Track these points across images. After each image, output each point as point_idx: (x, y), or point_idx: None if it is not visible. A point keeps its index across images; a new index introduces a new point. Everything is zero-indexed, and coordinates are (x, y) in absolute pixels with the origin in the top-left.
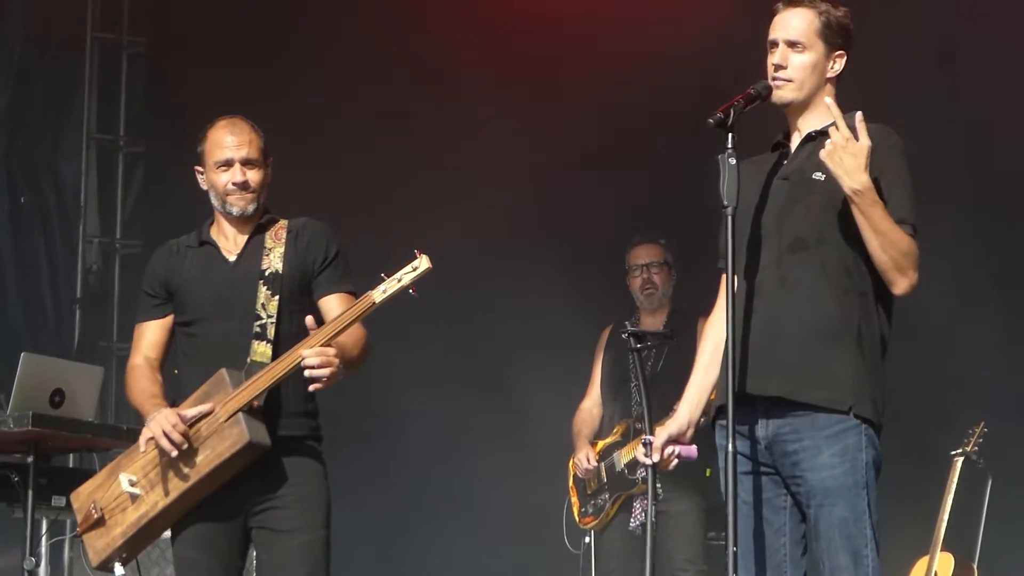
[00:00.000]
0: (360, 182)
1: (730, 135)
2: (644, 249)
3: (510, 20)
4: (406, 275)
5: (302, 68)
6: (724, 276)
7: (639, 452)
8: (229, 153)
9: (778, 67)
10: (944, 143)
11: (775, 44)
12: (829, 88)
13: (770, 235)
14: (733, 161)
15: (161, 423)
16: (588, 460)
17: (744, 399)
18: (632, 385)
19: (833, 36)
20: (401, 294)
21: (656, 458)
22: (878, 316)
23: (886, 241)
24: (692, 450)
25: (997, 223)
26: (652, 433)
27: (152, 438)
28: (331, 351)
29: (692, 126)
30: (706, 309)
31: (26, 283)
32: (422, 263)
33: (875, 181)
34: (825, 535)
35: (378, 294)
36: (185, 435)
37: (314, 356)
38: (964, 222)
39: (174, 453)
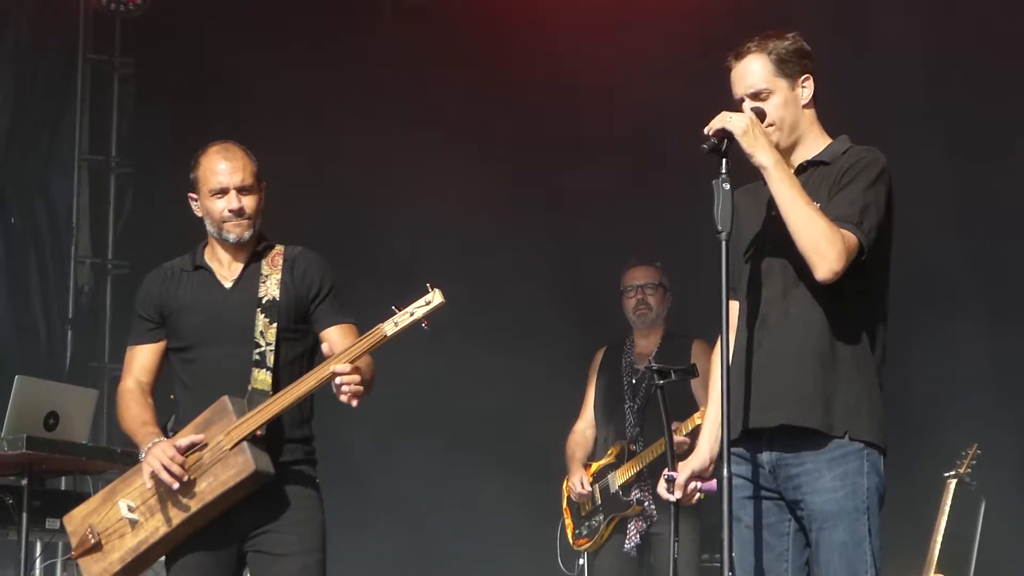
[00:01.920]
0: (349, 206)
1: (724, 160)
2: (640, 271)
3: (509, 44)
4: (419, 309)
5: (292, 84)
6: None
7: (661, 488)
8: (224, 180)
9: None
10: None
11: (741, 100)
12: (809, 114)
13: (774, 269)
14: (727, 186)
15: (159, 457)
16: (582, 484)
17: (750, 431)
18: (626, 406)
19: (790, 67)
20: (413, 328)
21: (679, 495)
22: (874, 340)
23: (799, 222)
24: (712, 484)
25: (988, 243)
26: (675, 469)
27: (153, 473)
28: (357, 368)
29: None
30: (701, 332)
31: (17, 303)
32: (435, 297)
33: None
34: (825, 559)
35: (390, 327)
36: (184, 467)
37: (346, 372)
38: (954, 241)
39: (175, 486)
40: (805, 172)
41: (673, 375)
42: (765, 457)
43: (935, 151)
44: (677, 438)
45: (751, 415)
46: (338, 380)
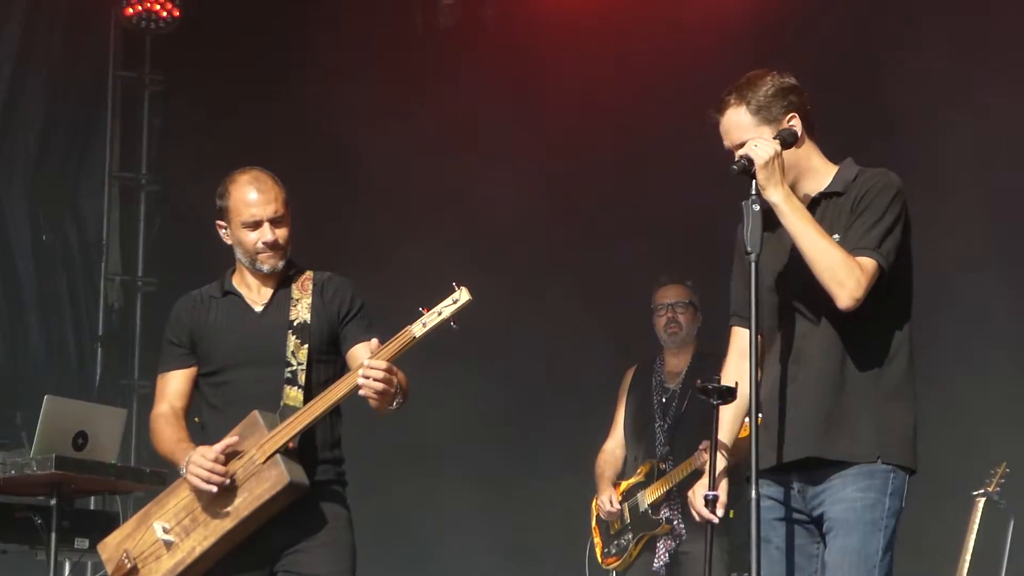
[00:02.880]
0: (374, 214)
1: (754, 182)
2: (671, 289)
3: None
4: (446, 308)
5: (321, 102)
6: (737, 328)
7: (699, 506)
8: (257, 213)
9: None
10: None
11: (732, 151)
12: (803, 148)
13: (805, 304)
14: (757, 208)
15: (200, 463)
16: (611, 503)
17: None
18: (656, 425)
19: (771, 112)
20: (441, 328)
21: (721, 514)
22: (904, 361)
23: (815, 253)
24: None
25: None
26: (715, 488)
27: (197, 484)
28: (392, 369)
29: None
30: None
31: (48, 321)
32: (462, 295)
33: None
34: (834, 563)
35: (418, 328)
36: (225, 470)
37: (378, 367)
38: (984, 250)
39: (215, 490)
40: (820, 205)
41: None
42: (795, 478)
43: None
44: (706, 455)
45: (784, 450)
46: (362, 372)
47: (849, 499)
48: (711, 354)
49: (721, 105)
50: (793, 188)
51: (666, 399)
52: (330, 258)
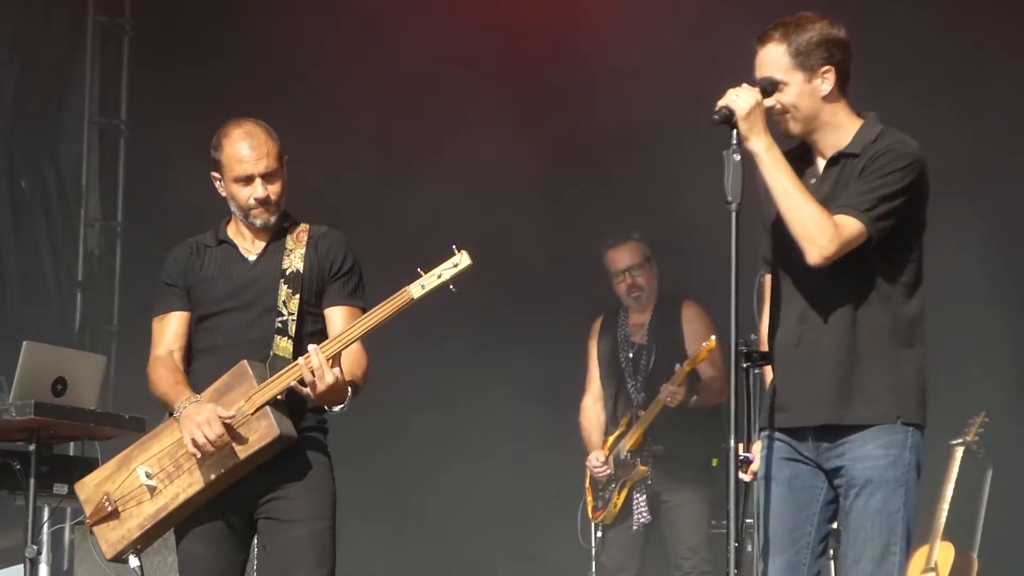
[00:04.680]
0: (361, 171)
1: (735, 131)
2: (621, 252)
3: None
4: (446, 271)
5: (305, 50)
6: (767, 276)
7: (735, 466)
8: (249, 168)
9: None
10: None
11: None
12: (831, 105)
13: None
14: (738, 157)
15: (201, 417)
16: (598, 459)
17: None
18: (629, 385)
19: (808, 59)
20: (440, 290)
21: (749, 477)
22: (916, 321)
23: (789, 208)
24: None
25: (998, 207)
26: (748, 450)
27: (195, 440)
28: (333, 373)
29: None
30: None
31: (27, 267)
32: (463, 259)
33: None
34: (857, 525)
35: (416, 289)
36: (221, 438)
37: (310, 367)
38: (964, 208)
39: (210, 450)
40: (837, 164)
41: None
42: (810, 435)
43: None
44: (670, 388)
45: (797, 413)
46: (304, 364)
47: (872, 456)
48: (672, 299)
49: (764, 38)
50: (812, 140)
51: (633, 354)
52: (317, 202)
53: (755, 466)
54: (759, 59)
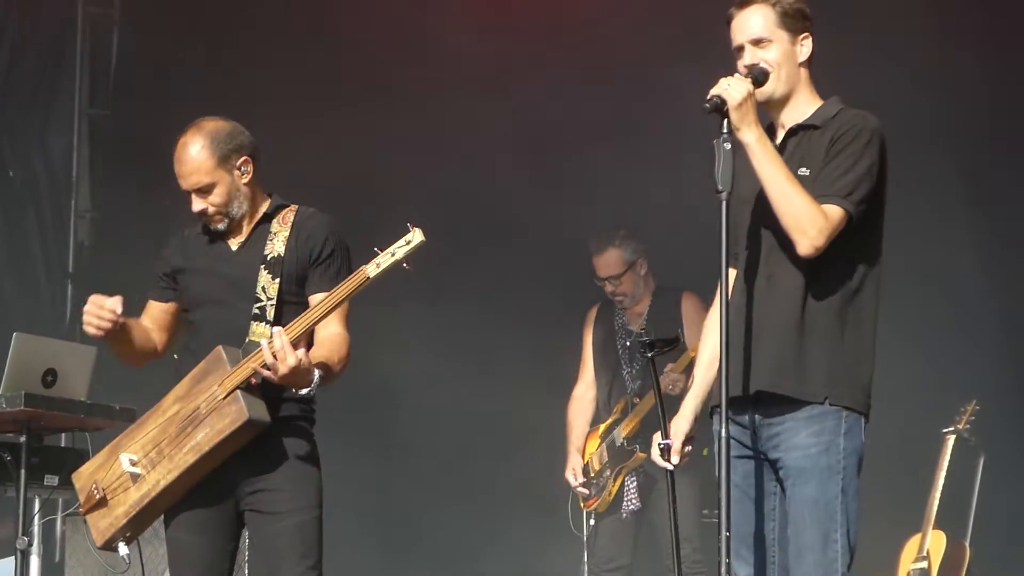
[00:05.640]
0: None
1: (725, 120)
2: (602, 261)
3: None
4: (400, 249)
5: (297, 36)
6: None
7: (655, 455)
8: (182, 184)
9: (750, 67)
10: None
11: (741, 48)
12: (804, 73)
13: (760, 233)
14: (728, 146)
15: (92, 310)
16: (575, 475)
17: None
18: (624, 372)
19: (793, 22)
20: (395, 268)
21: (676, 461)
22: (866, 305)
23: (781, 199)
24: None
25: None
26: (667, 436)
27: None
28: (296, 355)
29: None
30: (692, 284)
31: (17, 259)
32: (415, 236)
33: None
34: (795, 515)
35: (372, 268)
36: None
37: (272, 350)
38: (950, 196)
39: (103, 331)
40: (796, 136)
41: (660, 347)
42: (748, 419)
43: None
44: (672, 375)
45: (731, 383)
46: (266, 346)
47: (803, 446)
48: (670, 289)
49: (746, 1)
50: (777, 113)
51: (630, 342)
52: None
53: (676, 445)
54: (740, 22)
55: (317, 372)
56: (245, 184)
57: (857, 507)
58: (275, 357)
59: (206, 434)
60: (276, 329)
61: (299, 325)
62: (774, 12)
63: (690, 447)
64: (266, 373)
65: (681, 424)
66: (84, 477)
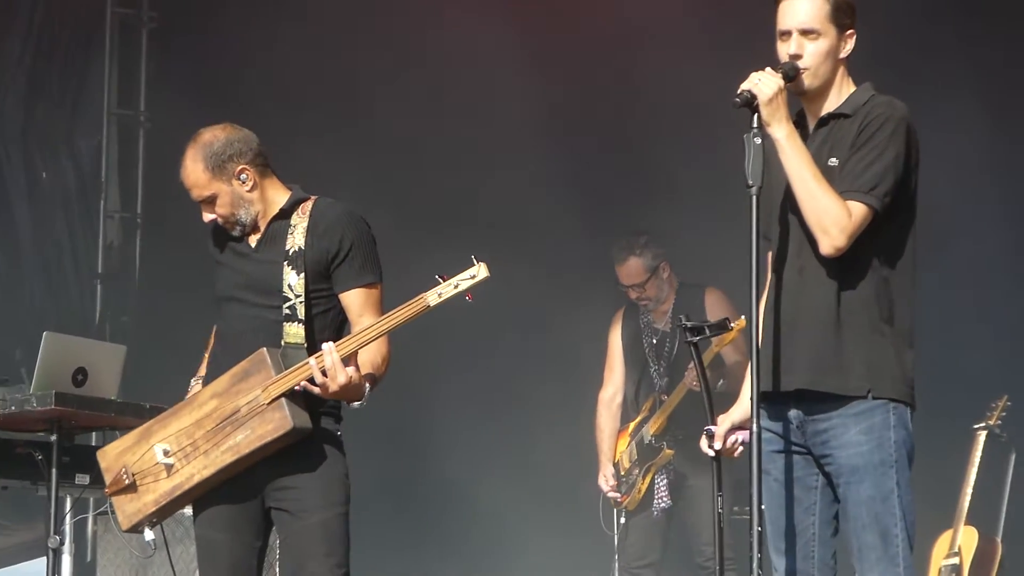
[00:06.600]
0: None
1: (756, 115)
2: (624, 270)
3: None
4: (463, 281)
5: (323, 37)
6: (770, 253)
7: (703, 443)
8: (191, 196)
9: (794, 56)
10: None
11: (787, 33)
12: (841, 68)
13: (792, 225)
14: (759, 140)
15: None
16: (607, 481)
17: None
18: (652, 370)
19: (842, 17)
20: (455, 299)
21: (719, 446)
22: (901, 295)
23: (806, 196)
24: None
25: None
26: (714, 422)
27: None
28: (346, 373)
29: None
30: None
31: (47, 258)
32: (480, 271)
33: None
34: (853, 513)
35: (433, 297)
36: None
37: (322, 367)
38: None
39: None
40: (827, 125)
41: (707, 331)
42: (792, 413)
43: None
44: (695, 372)
45: (780, 377)
46: (316, 364)
47: (854, 443)
48: (694, 286)
49: None
50: (811, 102)
51: (657, 340)
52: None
53: (720, 431)
54: (792, 6)
55: (367, 385)
56: (248, 191)
57: (911, 498)
58: (325, 375)
59: (246, 437)
60: (327, 346)
61: (350, 344)
62: (828, 4)
63: (741, 437)
64: (315, 390)
65: (733, 413)
66: (110, 457)
